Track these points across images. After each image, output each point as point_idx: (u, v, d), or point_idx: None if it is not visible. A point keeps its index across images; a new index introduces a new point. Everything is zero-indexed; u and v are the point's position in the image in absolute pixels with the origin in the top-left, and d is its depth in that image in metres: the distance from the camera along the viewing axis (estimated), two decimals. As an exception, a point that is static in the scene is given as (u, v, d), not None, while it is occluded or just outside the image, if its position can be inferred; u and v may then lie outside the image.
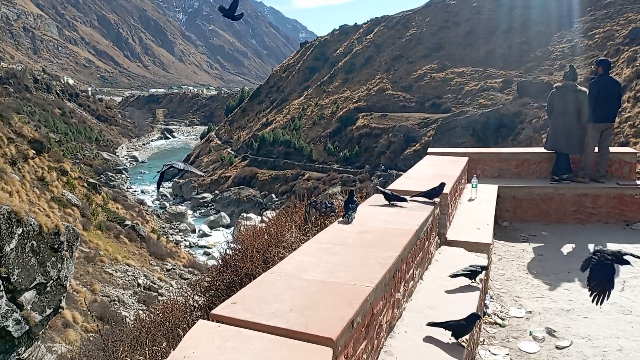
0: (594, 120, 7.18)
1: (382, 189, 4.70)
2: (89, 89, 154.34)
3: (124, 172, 77.10)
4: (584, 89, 7.29)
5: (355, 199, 4.11)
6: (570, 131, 7.25)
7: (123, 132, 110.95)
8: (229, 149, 78.24)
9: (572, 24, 59.49)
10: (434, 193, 4.52)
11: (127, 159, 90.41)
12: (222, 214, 54.84)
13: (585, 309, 4.63)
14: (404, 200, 4.47)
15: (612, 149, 7.58)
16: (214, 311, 2.21)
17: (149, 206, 57.38)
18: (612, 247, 6.23)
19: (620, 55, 39.00)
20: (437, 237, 4.71)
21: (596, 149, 7.42)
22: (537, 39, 60.82)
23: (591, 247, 6.34)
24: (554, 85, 7.70)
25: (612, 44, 44.20)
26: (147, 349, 4.64)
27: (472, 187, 6.69)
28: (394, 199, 4.47)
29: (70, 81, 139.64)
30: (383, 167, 54.07)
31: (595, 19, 56.00)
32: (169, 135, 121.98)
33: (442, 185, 4.57)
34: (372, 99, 68.17)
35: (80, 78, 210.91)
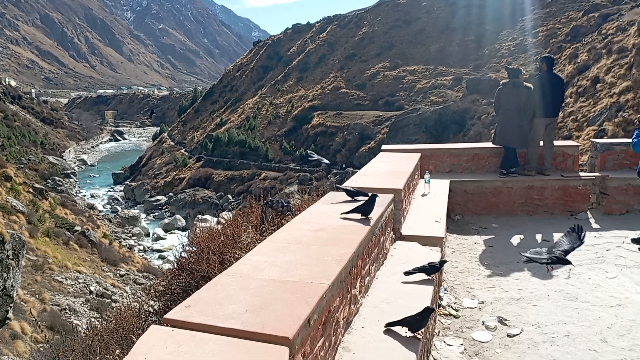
0: (539, 115, 7.46)
1: (344, 187, 4.72)
2: (33, 90, 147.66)
3: (72, 176, 74.25)
4: (529, 85, 7.56)
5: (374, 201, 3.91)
6: (517, 126, 7.50)
7: (70, 134, 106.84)
8: (182, 150, 76.75)
9: (517, 22, 61.68)
10: (367, 209, 3.91)
11: (75, 163, 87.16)
12: (177, 216, 53.75)
13: (534, 297, 4.82)
14: (366, 195, 4.38)
15: (556, 143, 7.91)
16: (167, 315, 2.16)
17: (99, 211, 55.55)
18: (557, 236, 6.51)
19: (563, 52, 40.71)
20: (392, 232, 4.78)
21: (541, 143, 7.71)
22: (485, 37, 62.72)
23: (539, 237, 6.60)
24: (501, 82, 7.96)
25: (554, 42, 46.07)
26: (99, 357, 4.50)
27: (425, 182, 6.83)
28: (356, 194, 4.47)
29: (13, 83, 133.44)
30: (344, 165, 54.35)
31: (538, 17, 58.25)
32: (119, 137, 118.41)
33: (374, 197, 4.02)
34: (326, 97, 68.47)
35: (23, 79, 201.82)
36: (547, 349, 3.87)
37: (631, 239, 6.26)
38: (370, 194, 4.08)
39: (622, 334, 4.03)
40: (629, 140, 7.58)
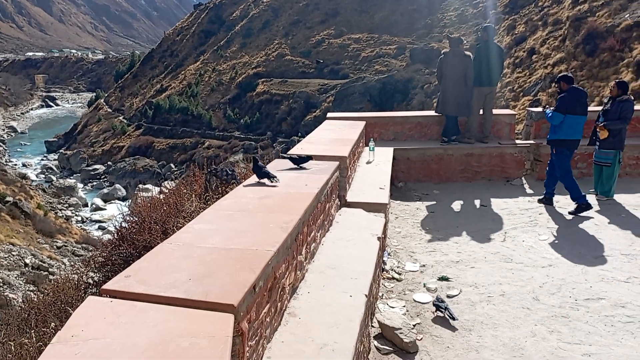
0: (479, 84, 7.65)
1: (288, 154, 4.70)
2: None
3: (1, 144, 69.91)
4: (469, 54, 7.71)
5: (260, 163, 4.07)
6: (458, 95, 7.67)
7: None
8: (120, 117, 73.60)
9: (458, -7, 62.44)
10: (300, 161, 4.51)
11: (3, 130, 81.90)
12: (117, 186, 51.90)
13: (472, 259, 5.02)
14: (310, 158, 4.49)
15: (494, 112, 8.16)
16: (105, 286, 2.07)
17: (32, 180, 52.71)
18: (495, 201, 6.79)
19: (501, 23, 41.70)
20: (337, 199, 4.81)
21: (481, 112, 7.94)
22: (428, 7, 63.10)
23: (477, 202, 6.85)
24: (442, 52, 8.08)
25: (494, 13, 47.02)
26: (35, 330, 4.34)
27: (370, 150, 6.90)
28: (300, 161, 4.48)
29: None
30: (298, 136, 53.91)
31: (479, -12, 59.16)
32: (51, 103, 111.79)
33: (309, 157, 4.58)
34: (271, 64, 67.23)
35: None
36: (484, 308, 4.07)
37: (537, 200, 6.76)
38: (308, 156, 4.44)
39: (552, 292, 4.29)
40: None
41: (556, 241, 5.42)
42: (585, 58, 28.06)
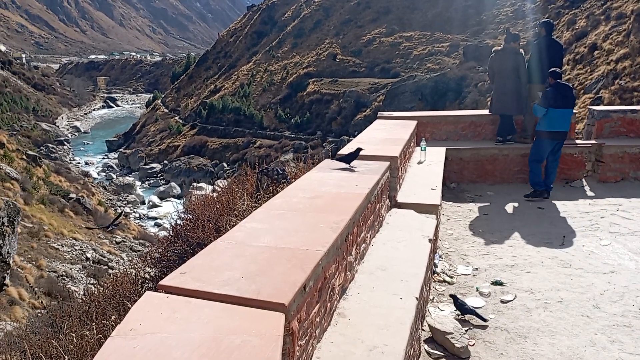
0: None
1: (337, 155, 4.72)
2: (23, 55, 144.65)
3: (65, 143, 73.57)
4: (521, 50, 7.48)
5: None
6: (512, 93, 7.44)
7: (62, 101, 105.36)
8: (176, 118, 75.98)
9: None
10: (349, 159, 4.50)
11: (68, 130, 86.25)
12: (172, 184, 53.64)
13: (528, 264, 4.85)
14: (360, 150, 4.50)
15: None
16: (162, 282, 2.14)
17: (94, 178, 55.29)
18: (553, 204, 6.54)
19: (561, 18, 40.09)
20: (387, 199, 4.77)
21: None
22: (482, 3, 61.54)
23: (534, 205, 6.61)
24: (493, 50, 7.87)
25: (553, 7, 45.21)
26: (96, 323, 4.53)
27: (421, 150, 6.80)
28: (349, 158, 4.48)
29: (2, 48, 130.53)
30: (348, 135, 53.99)
31: (537, -18, 57.14)
32: (112, 104, 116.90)
33: (358, 150, 4.52)
34: (322, 64, 67.51)
35: (13, 44, 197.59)
36: (540, 315, 3.92)
37: (524, 195, 6.78)
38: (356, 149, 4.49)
39: (614, 300, 4.08)
40: (626, 107, 7.56)
41: (619, 246, 5.15)
42: (652, 53, 26.55)
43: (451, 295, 3.96)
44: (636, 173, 7.42)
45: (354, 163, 4.49)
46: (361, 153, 4.56)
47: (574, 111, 7.09)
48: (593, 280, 4.45)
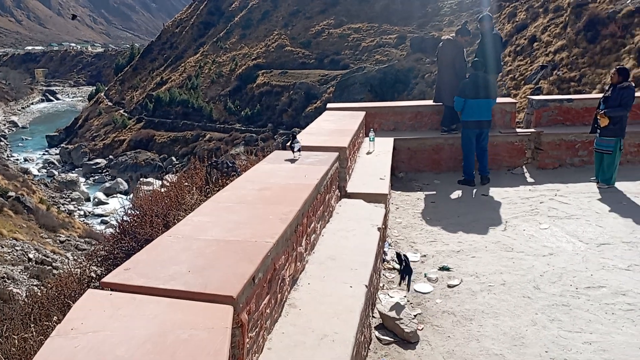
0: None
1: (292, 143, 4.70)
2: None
3: (2, 139, 69.95)
4: (460, 42, 7.68)
5: (297, 138, 4.49)
6: (447, 84, 7.65)
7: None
8: (121, 111, 73.44)
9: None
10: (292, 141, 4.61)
11: (4, 125, 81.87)
12: (119, 179, 51.95)
13: (473, 249, 5.03)
14: (296, 134, 4.67)
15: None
16: (104, 279, 2.08)
17: (34, 175, 52.84)
18: (496, 191, 6.78)
19: (502, 11, 41.41)
20: (337, 190, 4.81)
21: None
22: (427, -5, 62.75)
23: (477, 192, 6.84)
24: (441, 38, 8.07)
25: (494, 0, 46.69)
26: (39, 324, 4.37)
27: (370, 140, 6.88)
28: (292, 142, 4.52)
29: None
30: (298, 127, 53.82)
31: (480, -25, 58.71)
32: (52, 98, 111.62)
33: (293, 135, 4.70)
34: (271, 55, 66.92)
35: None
36: (485, 297, 4.07)
37: (458, 181, 7.17)
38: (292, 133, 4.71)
39: (553, 281, 4.29)
40: (563, 97, 7.93)
41: (557, 230, 5.41)
42: (586, 45, 27.86)
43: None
44: (572, 160, 7.80)
45: (303, 154, 4.50)
46: (310, 144, 4.57)
47: (514, 101, 7.35)
48: (533, 262, 4.66)
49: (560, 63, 28.87)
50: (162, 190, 7.25)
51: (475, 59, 7.11)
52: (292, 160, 4.40)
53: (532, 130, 7.95)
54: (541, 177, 7.41)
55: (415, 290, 4.23)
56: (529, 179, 7.40)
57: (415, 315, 3.75)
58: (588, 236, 5.21)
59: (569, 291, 4.11)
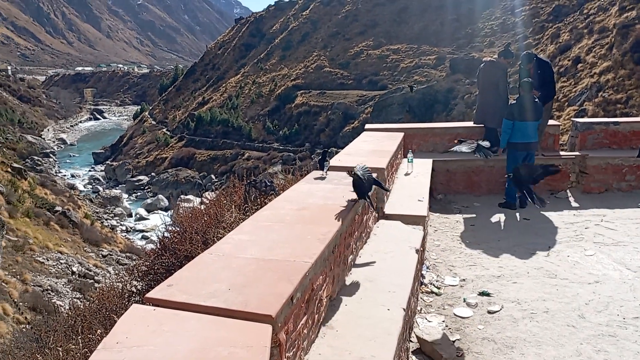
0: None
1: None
2: (9, 67, 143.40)
3: (51, 155, 72.92)
4: (503, 64, 7.58)
5: (327, 158, 4.56)
6: (491, 106, 7.52)
7: (49, 113, 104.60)
8: (164, 130, 75.71)
9: (500, 1, 61.51)
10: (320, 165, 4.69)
11: (54, 142, 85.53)
12: (160, 196, 53.26)
13: (515, 274, 4.89)
14: (327, 150, 4.84)
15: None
16: (148, 294, 2.14)
17: (80, 191, 54.78)
18: (538, 215, 6.61)
19: (545, 32, 40.83)
20: (375, 211, 4.79)
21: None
22: (467, 17, 62.44)
23: (519, 215, 6.68)
24: (483, 59, 8.00)
25: (537, 21, 46.05)
26: (82, 337, 4.48)
27: (408, 161, 6.85)
28: (322, 160, 4.63)
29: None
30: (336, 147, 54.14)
31: (521, -4, 58.11)
32: (99, 116, 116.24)
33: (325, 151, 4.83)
34: (310, 76, 67.89)
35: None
36: (527, 325, 3.95)
37: (498, 204, 6.97)
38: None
39: (599, 310, 4.13)
40: (609, 120, 7.68)
41: (603, 257, 5.21)
42: (633, 66, 27.07)
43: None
44: (619, 184, 7.53)
45: (342, 174, 4.52)
46: (348, 165, 4.59)
47: (557, 123, 7.19)
48: (578, 290, 4.50)
49: (606, 85, 28.10)
50: (202, 207, 7.40)
51: (524, 79, 6.95)
52: (322, 178, 4.44)
53: (577, 153, 7.73)
54: (586, 201, 7.18)
55: (454, 314, 4.14)
56: (574, 204, 7.18)
57: (454, 341, 3.67)
58: (636, 264, 4.99)
59: (616, 321, 3.94)
